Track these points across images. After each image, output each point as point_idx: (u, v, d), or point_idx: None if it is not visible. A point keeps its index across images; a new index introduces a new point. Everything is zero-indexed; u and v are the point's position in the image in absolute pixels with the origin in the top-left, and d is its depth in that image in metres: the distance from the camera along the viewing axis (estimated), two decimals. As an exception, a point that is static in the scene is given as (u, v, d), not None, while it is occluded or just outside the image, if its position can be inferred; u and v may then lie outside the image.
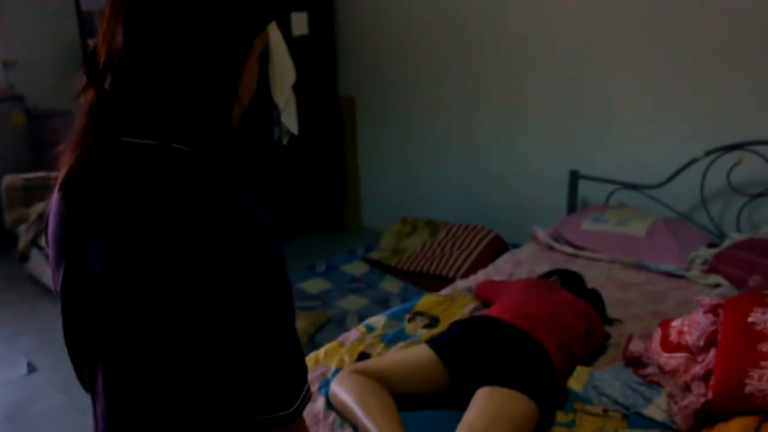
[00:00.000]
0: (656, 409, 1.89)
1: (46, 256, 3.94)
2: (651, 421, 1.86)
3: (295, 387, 0.81)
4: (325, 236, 5.06)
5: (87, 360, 0.90)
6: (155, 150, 0.80)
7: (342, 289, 3.49)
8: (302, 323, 2.97)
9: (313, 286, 3.54)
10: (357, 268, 3.78)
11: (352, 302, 3.33)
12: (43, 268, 4.18)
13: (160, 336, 0.78)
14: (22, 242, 4.18)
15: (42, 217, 4.14)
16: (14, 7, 5.08)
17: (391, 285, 3.55)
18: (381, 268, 3.75)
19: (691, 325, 2.02)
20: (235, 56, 0.82)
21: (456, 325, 2.15)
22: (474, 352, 1.96)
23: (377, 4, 4.47)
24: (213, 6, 0.78)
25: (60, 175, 0.86)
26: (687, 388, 1.87)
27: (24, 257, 4.22)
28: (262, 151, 4.39)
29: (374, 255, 3.88)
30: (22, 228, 4.22)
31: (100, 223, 0.81)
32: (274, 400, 0.79)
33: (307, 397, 0.83)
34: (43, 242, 3.97)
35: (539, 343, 1.96)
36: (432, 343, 2.04)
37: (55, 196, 0.89)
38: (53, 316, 3.92)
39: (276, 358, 0.79)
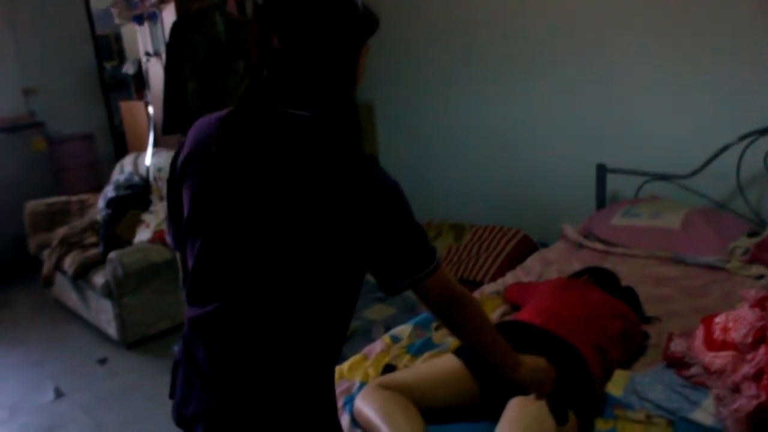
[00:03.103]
0: (704, 413, 1.76)
1: (70, 280, 3.94)
2: (699, 427, 1.73)
3: (429, 251, 1.23)
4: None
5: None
6: (308, 119, 1.17)
7: (367, 299, 3.40)
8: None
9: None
10: (383, 276, 3.68)
11: (378, 312, 3.26)
12: (68, 293, 4.17)
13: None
14: (46, 267, 4.17)
15: (65, 242, 4.13)
16: (31, 34, 5.12)
17: (417, 292, 3.44)
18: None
19: (737, 321, 1.89)
20: (355, 52, 1.21)
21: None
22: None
23: (391, 5, 4.39)
24: (342, 20, 1.17)
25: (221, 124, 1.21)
26: (736, 389, 1.73)
27: (48, 282, 4.21)
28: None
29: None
30: (46, 253, 4.21)
31: (255, 160, 1.17)
32: (421, 262, 1.21)
33: (439, 258, 1.25)
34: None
35: (573, 347, 1.85)
36: (459, 352, 1.94)
37: (206, 128, 1.25)
38: (79, 341, 3.92)
39: (415, 238, 1.21)
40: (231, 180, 1.18)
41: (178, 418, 1.30)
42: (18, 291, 4.73)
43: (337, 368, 2.20)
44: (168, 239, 1.42)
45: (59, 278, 4.18)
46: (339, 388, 2.05)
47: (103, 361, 3.64)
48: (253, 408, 1.18)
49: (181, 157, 1.28)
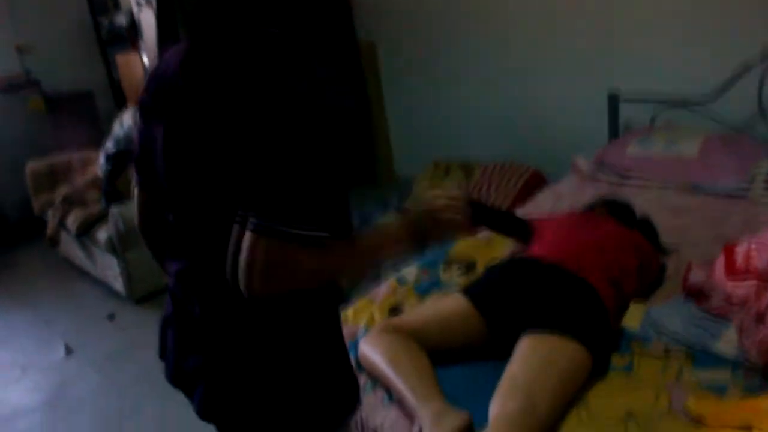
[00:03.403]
0: (725, 344, 1.67)
1: (74, 237, 3.89)
2: (720, 359, 1.64)
3: (322, 214, 0.96)
4: (358, 193, 4.89)
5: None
6: (276, 36, 1.04)
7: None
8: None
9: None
10: (391, 219, 3.60)
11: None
12: (75, 251, 4.13)
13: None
14: (50, 227, 4.12)
15: (67, 200, 4.06)
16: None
17: (427, 234, 3.36)
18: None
19: (761, 248, 1.78)
20: None
21: (492, 270, 1.95)
22: (513, 298, 1.76)
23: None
24: None
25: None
26: (760, 319, 1.64)
27: (54, 241, 4.17)
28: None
29: (407, 204, 3.70)
30: (49, 212, 4.16)
31: (223, 87, 1.02)
32: (303, 216, 0.94)
33: (345, 231, 1.02)
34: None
35: (586, 281, 1.75)
36: (466, 291, 1.85)
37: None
38: (87, 298, 3.90)
39: (301, 182, 0.94)
40: (201, 111, 1.05)
41: (174, 377, 1.22)
42: (26, 251, 4.71)
43: (342, 313, 2.12)
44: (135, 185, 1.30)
45: (64, 236, 4.13)
46: (343, 333, 1.98)
47: (111, 317, 3.61)
48: (252, 360, 1.10)
49: (147, 95, 1.17)
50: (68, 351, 3.32)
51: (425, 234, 1.20)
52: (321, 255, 0.98)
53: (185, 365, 1.18)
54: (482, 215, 1.25)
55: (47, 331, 3.59)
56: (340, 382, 1.19)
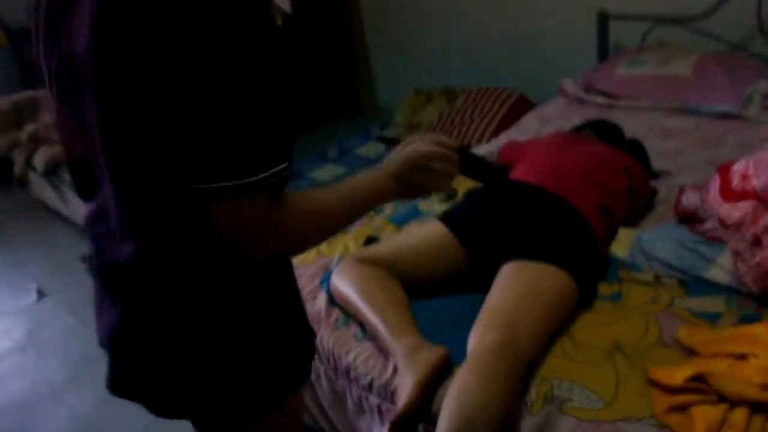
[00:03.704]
0: (719, 270, 1.56)
1: (42, 176, 3.73)
2: (714, 286, 1.54)
3: (253, 156, 0.76)
4: (341, 123, 4.73)
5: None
6: None
7: (356, 173, 3.19)
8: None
9: (325, 173, 3.29)
10: (372, 149, 3.51)
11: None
12: (46, 192, 3.98)
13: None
14: (18, 166, 3.96)
15: (33, 139, 3.88)
16: None
17: (408, 163, 3.24)
18: (397, 145, 3.41)
19: (759, 167, 1.65)
20: None
21: (472, 195, 1.82)
22: (494, 224, 1.64)
23: None
24: None
25: None
26: (757, 242, 1.52)
27: (22, 182, 4.01)
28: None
29: (389, 133, 3.59)
30: (16, 152, 3.98)
31: None
32: (225, 165, 0.75)
33: (277, 179, 0.79)
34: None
35: (572, 205, 1.63)
36: (445, 218, 1.73)
37: None
38: (60, 239, 3.77)
39: (230, 118, 0.74)
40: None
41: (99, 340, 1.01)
42: (-4, 193, 4.56)
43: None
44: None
45: (33, 177, 3.97)
46: (316, 265, 1.87)
47: (84, 259, 3.48)
48: (167, 321, 0.90)
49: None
50: (41, 295, 3.21)
51: (413, 185, 1.06)
52: (301, 198, 0.86)
53: (100, 328, 0.99)
54: (470, 165, 1.12)
55: (19, 274, 3.47)
56: (292, 345, 1.01)
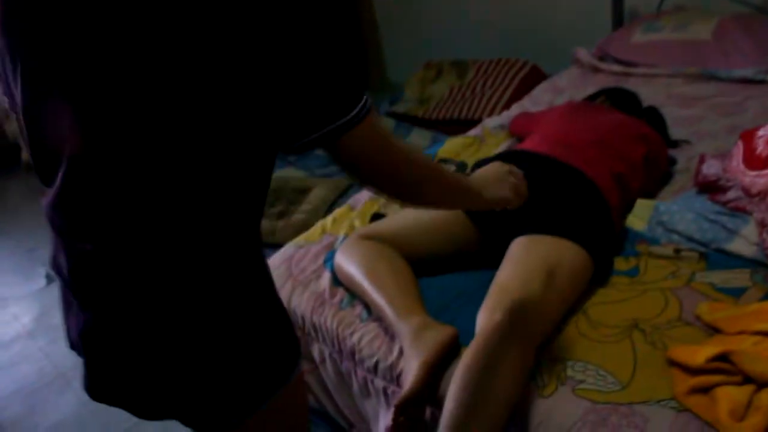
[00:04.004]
0: (743, 242, 1.48)
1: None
2: (737, 259, 1.46)
3: (353, 90, 0.84)
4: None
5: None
6: None
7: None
8: (321, 191, 2.65)
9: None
10: (381, 125, 3.39)
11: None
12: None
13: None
14: (25, 153, 3.91)
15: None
16: None
17: (419, 138, 3.19)
18: (408, 120, 3.37)
19: (785, 131, 1.57)
20: None
21: (480, 167, 1.73)
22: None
23: None
24: None
25: None
26: (783, 210, 1.45)
27: (29, 167, 3.96)
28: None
29: (399, 108, 3.49)
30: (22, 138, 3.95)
31: None
32: (341, 106, 0.82)
33: (370, 104, 0.86)
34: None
35: (585, 175, 1.54)
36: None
37: None
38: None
39: (341, 67, 0.82)
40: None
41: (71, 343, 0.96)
42: (4, 179, 4.52)
43: (320, 223, 1.94)
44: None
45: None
46: (321, 244, 1.80)
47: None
48: (137, 323, 0.85)
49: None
50: (49, 280, 3.19)
51: (496, 198, 1.16)
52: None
53: (70, 332, 0.94)
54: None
55: (27, 259, 3.44)
56: (274, 339, 0.95)
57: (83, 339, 0.89)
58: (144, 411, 0.92)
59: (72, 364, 2.51)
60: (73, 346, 0.94)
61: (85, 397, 0.94)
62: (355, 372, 1.48)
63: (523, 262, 1.37)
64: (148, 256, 0.81)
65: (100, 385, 0.92)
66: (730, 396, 1.09)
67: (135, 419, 0.97)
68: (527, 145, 1.74)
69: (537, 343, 1.25)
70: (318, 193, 2.65)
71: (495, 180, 1.17)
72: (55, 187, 0.85)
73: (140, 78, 0.74)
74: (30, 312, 2.96)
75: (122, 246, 0.81)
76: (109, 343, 0.87)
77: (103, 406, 0.94)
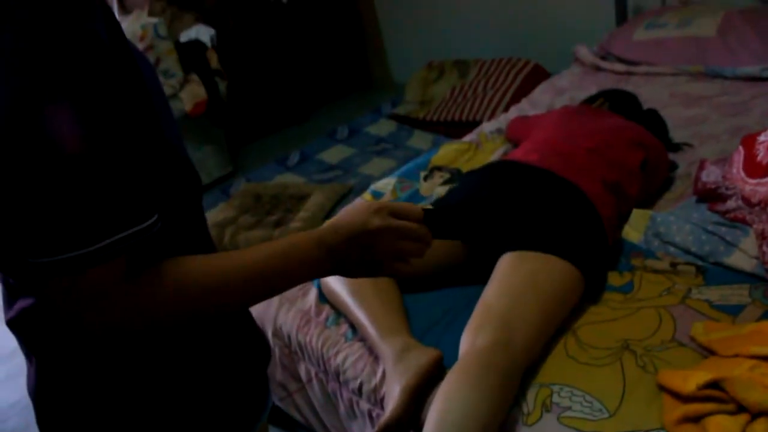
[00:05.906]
0: (742, 255, 1.42)
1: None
2: (736, 274, 1.40)
3: (76, 226, 0.61)
4: (354, 99, 4.57)
5: None
6: None
7: (365, 153, 3.12)
8: (319, 198, 2.61)
9: (333, 154, 3.16)
10: (383, 128, 3.37)
11: (376, 166, 2.96)
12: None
13: None
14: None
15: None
16: None
17: (420, 141, 3.16)
18: (409, 123, 3.34)
19: (788, 137, 1.50)
20: None
21: (468, 178, 1.68)
22: (491, 210, 1.50)
23: None
24: None
25: None
26: (785, 221, 1.38)
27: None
28: (262, 16, 3.83)
29: (400, 110, 3.45)
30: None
31: None
32: (41, 240, 0.61)
33: (113, 250, 0.62)
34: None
35: (576, 186, 1.48)
36: (439, 204, 1.60)
37: None
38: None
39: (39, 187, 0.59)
40: None
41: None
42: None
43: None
44: None
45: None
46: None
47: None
48: (84, 379, 0.80)
49: None
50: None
51: (349, 265, 0.80)
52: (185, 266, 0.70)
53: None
54: (443, 226, 0.83)
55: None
56: (230, 392, 0.86)
57: (31, 392, 0.87)
58: None
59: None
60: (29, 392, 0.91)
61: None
62: (341, 393, 1.44)
63: (509, 281, 1.32)
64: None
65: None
66: (721, 426, 1.04)
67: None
68: (518, 153, 1.68)
69: (522, 367, 1.20)
70: (316, 200, 2.61)
71: (349, 244, 0.78)
72: None
73: None
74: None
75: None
76: (54, 399, 0.84)
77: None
